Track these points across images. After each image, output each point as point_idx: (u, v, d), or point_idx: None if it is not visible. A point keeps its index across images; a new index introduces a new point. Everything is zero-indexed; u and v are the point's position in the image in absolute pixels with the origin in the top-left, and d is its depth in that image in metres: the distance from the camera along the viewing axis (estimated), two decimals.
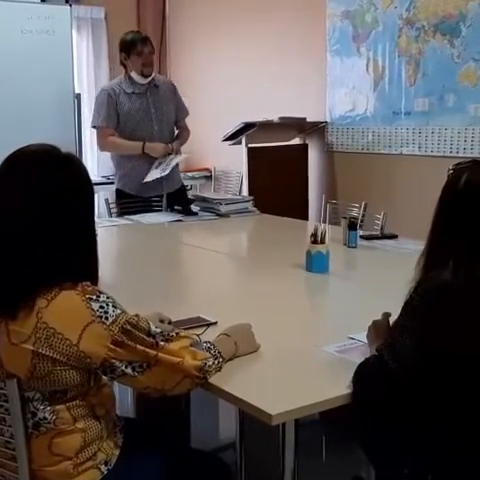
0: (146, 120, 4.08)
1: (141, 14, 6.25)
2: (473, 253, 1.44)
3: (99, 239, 1.54)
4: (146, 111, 4.08)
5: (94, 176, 5.72)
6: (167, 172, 4.05)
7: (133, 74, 4.07)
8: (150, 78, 4.09)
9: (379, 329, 1.68)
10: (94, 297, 1.42)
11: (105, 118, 4.06)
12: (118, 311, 1.44)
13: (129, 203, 4.13)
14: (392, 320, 1.60)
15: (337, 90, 4.86)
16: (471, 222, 1.46)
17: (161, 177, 4.06)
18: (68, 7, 5.28)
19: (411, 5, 4.31)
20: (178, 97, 4.29)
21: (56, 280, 1.42)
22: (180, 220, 3.81)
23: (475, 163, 1.53)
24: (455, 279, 1.43)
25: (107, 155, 6.02)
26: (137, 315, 1.48)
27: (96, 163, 6.07)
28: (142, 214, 4.01)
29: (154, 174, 4.06)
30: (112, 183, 5.60)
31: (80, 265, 1.46)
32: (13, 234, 1.43)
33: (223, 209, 3.88)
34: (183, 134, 4.33)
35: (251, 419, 1.51)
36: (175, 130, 4.30)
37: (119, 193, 4.26)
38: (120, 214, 4.09)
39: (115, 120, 4.07)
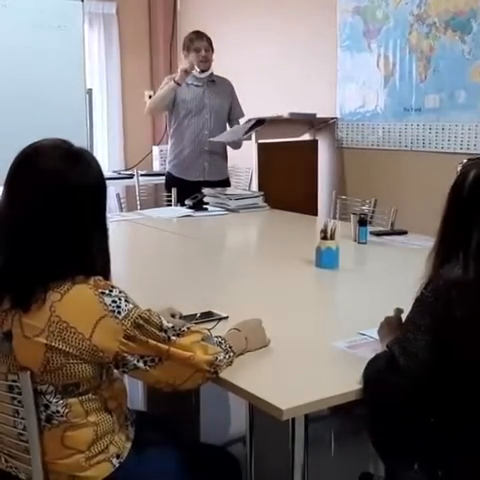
0: (199, 109, 4.47)
1: (152, 9, 6.26)
2: None
3: (110, 234, 1.55)
4: (200, 101, 4.48)
5: (105, 171, 5.70)
6: (235, 139, 4.43)
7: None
8: (208, 73, 4.50)
9: (391, 325, 1.69)
10: (107, 291, 1.43)
11: (173, 78, 4.49)
12: (130, 306, 1.45)
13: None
14: (404, 316, 1.60)
15: (347, 86, 4.85)
16: (479, 217, 1.46)
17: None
18: (80, 2, 5.28)
19: (422, 1, 4.29)
20: (235, 96, 4.64)
21: (68, 274, 1.43)
22: (190, 215, 3.82)
23: None
24: (465, 274, 1.43)
25: (118, 150, 6.04)
26: (149, 310, 1.49)
27: (107, 158, 6.09)
28: (153, 209, 4.03)
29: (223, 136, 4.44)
30: (123, 178, 5.65)
31: (92, 259, 1.47)
32: (25, 228, 1.44)
33: (233, 204, 3.88)
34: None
35: (261, 413, 1.52)
36: (227, 127, 4.59)
37: (169, 178, 4.58)
38: (167, 203, 4.36)
39: (171, 103, 4.48)
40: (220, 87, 4.58)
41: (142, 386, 2.55)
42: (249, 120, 4.54)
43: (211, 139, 4.44)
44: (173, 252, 3.15)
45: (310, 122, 4.98)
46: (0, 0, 4.78)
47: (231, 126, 4.62)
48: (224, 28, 5.74)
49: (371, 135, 4.74)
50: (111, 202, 4.51)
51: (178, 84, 4.41)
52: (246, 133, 4.53)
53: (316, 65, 5.03)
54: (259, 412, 1.55)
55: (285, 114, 4.76)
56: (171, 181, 4.53)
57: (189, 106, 4.48)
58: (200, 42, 4.47)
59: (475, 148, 4.08)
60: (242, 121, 4.62)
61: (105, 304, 1.42)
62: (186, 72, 4.39)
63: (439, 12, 4.20)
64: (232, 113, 4.61)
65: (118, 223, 3.57)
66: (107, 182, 1.58)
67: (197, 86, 4.50)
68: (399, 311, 1.69)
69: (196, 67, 4.48)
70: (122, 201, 4.29)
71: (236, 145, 4.59)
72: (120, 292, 1.45)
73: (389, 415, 1.54)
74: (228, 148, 4.66)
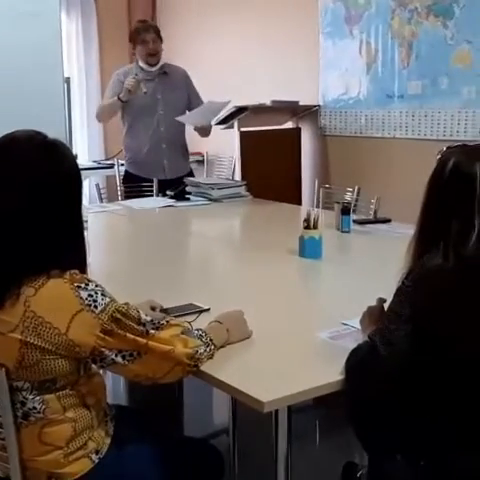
0: (151, 104, 4.19)
1: None
2: (461, 236, 1.44)
3: (89, 225, 1.52)
4: (152, 97, 4.19)
5: (85, 161, 5.69)
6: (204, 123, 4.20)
7: (141, 63, 4.24)
8: (158, 66, 4.21)
9: (373, 315, 1.68)
10: (83, 285, 1.40)
11: (107, 98, 4.29)
12: (107, 299, 1.42)
13: (133, 187, 4.22)
14: (387, 306, 1.59)
15: (330, 73, 4.82)
16: (458, 206, 1.45)
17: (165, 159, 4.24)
18: None
19: None
20: (190, 85, 4.35)
21: (43, 268, 1.40)
22: (172, 205, 3.78)
23: (463, 147, 1.53)
24: (445, 263, 1.42)
25: (98, 140, 5.99)
26: (127, 303, 1.46)
27: (86, 148, 6.03)
28: (133, 199, 3.98)
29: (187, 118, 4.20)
30: (103, 168, 5.60)
31: (67, 253, 1.44)
32: None
33: (215, 194, 3.85)
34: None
35: (244, 405, 1.50)
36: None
37: (127, 175, 4.39)
38: (126, 197, 4.22)
39: (117, 112, 4.26)
40: (173, 78, 4.28)
41: (124, 380, 2.53)
42: (231, 108, 4.48)
43: (177, 118, 4.14)
44: (154, 243, 3.12)
45: (293, 110, 4.96)
46: None
47: None
48: (205, 15, 5.69)
49: (354, 122, 4.72)
50: (91, 192, 4.47)
51: (122, 102, 4.15)
52: (227, 122, 4.47)
53: (298, 52, 5.00)
54: (242, 404, 1.53)
55: (267, 102, 4.73)
56: (130, 180, 4.30)
57: (141, 103, 4.17)
58: (147, 34, 4.15)
59: (458, 135, 4.08)
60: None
61: (81, 298, 1.39)
62: (130, 92, 4.08)
63: None
64: (191, 103, 4.29)
65: (98, 214, 3.53)
66: (87, 172, 1.54)
67: (148, 80, 4.18)
68: (381, 301, 1.68)
69: (142, 63, 4.20)
70: (102, 191, 4.23)
71: (205, 131, 4.33)
72: (96, 286, 1.42)
73: (371, 405, 1.52)
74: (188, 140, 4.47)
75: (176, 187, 3.95)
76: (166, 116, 4.21)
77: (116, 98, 4.15)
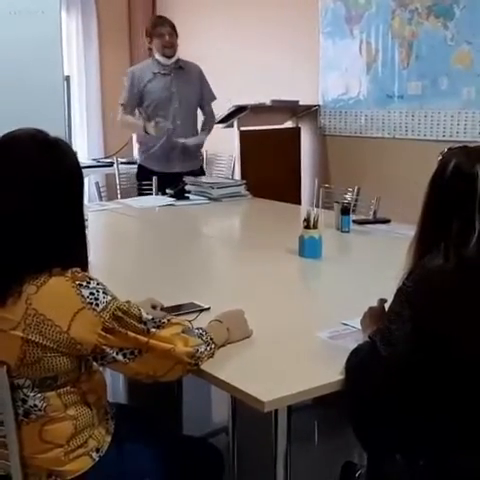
0: (167, 98, 4.29)
1: None
2: (462, 237, 1.44)
3: (89, 223, 1.52)
4: (168, 89, 4.29)
5: (84, 159, 5.68)
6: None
7: (157, 56, 4.31)
8: (174, 59, 4.32)
9: (374, 316, 1.68)
10: (84, 283, 1.40)
11: (125, 97, 4.34)
12: (109, 297, 1.42)
13: (145, 185, 4.27)
14: (387, 306, 1.59)
15: (330, 73, 4.83)
16: (459, 206, 1.46)
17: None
18: None
19: None
20: (204, 81, 4.44)
21: (45, 266, 1.40)
22: (172, 204, 3.78)
23: (464, 148, 1.53)
24: (446, 263, 1.42)
25: (97, 138, 5.99)
26: (128, 301, 1.47)
27: (86, 146, 6.03)
28: (133, 198, 3.99)
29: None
30: (102, 166, 5.60)
31: (69, 251, 1.43)
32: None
33: (215, 193, 3.85)
34: (208, 122, 4.50)
35: (243, 404, 1.50)
36: (198, 112, 4.46)
37: (141, 169, 4.46)
38: (139, 194, 4.29)
39: (137, 98, 4.32)
40: (188, 73, 4.38)
41: (123, 378, 2.53)
42: (231, 107, 4.49)
43: (176, 140, 4.27)
44: (154, 242, 3.12)
45: (293, 109, 4.96)
46: None
47: (203, 110, 4.46)
48: (205, 15, 5.69)
49: (354, 122, 4.72)
50: (91, 191, 4.47)
51: (146, 132, 4.26)
52: (227, 121, 4.49)
53: (298, 52, 5.00)
54: (242, 403, 1.54)
55: (267, 101, 4.74)
56: (143, 173, 4.39)
57: (157, 96, 4.29)
58: (163, 27, 4.27)
59: (457, 135, 4.08)
60: (216, 106, 4.46)
61: (83, 296, 1.39)
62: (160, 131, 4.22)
63: None
64: (203, 99, 4.43)
65: (98, 213, 3.53)
66: (86, 170, 1.55)
67: (164, 75, 4.31)
68: (382, 301, 1.68)
69: (158, 57, 4.29)
70: (102, 190, 4.23)
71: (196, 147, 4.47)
72: (98, 284, 1.43)
73: (371, 405, 1.53)
74: (209, 135, 4.58)
75: (176, 186, 3.95)
76: (181, 110, 4.33)
77: (142, 127, 4.27)
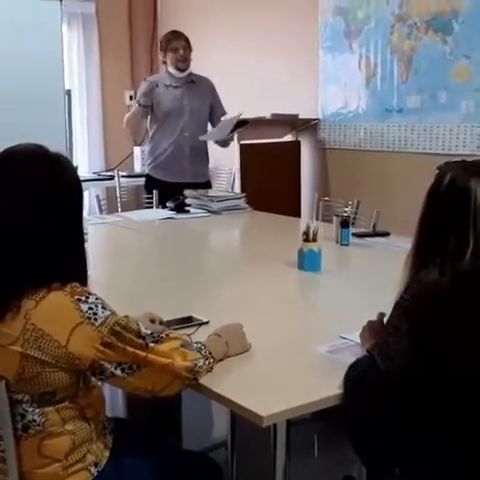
0: (178, 110, 4.40)
1: (132, 9, 6.22)
2: (457, 251, 1.45)
3: (89, 237, 1.53)
4: (179, 101, 4.41)
5: (85, 172, 5.70)
6: (222, 137, 4.34)
7: (171, 69, 4.43)
8: (186, 72, 4.42)
9: (373, 329, 1.68)
10: (83, 298, 1.41)
11: (137, 101, 4.45)
12: (107, 312, 1.42)
13: (151, 198, 4.28)
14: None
15: (329, 87, 4.85)
16: (454, 221, 1.46)
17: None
18: (58, 2, 5.23)
19: (403, 2, 4.30)
20: (215, 95, 4.55)
21: (44, 281, 1.40)
22: (171, 218, 3.79)
23: (461, 163, 1.54)
24: (441, 277, 1.43)
25: (98, 151, 6.01)
26: (127, 316, 1.47)
27: (87, 159, 6.05)
28: (134, 211, 4.00)
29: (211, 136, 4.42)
30: (103, 179, 5.61)
31: (68, 266, 1.44)
32: None
33: (215, 206, 3.86)
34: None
35: (242, 418, 1.50)
36: (209, 127, 4.54)
37: (148, 179, 4.54)
38: (146, 206, 4.34)
39: (149, 105, 4.40)
40: (200, 87, 4.50)
41: (122, 392, 2.52)
42: (230, 118, 4.51)
43: (200, 137, 4.38)
44: (154, 255, 3.13)
45: (292, 123, 4.98)
46: None
47: (213, 124, 4.54)
48: (205, 29, 5.73)
49: (353, 136, 4.74)
50: (91, 204, 4.48)
51: (142, 106, 4.34)
52: (231, 132, 4.51)
53: (298, 66, 5.03)
54: (241, 417, 1.54)
55: (267, 115, 4.76)
56: (151, 183, 4.47)
57: (168, 108, 4.39)
58: (178, 42, 4.38)
59: (456, 149, 4.10)
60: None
61: (81, 311, 1.39)
62: (149, 92, 4.31)
63: (420, 12, 4.21)
64: (214, 112, 4.53)
65: (98, 226, 3.53)
66: (87, 184, 1.56)
67: (176, 87, 4.42)
68: (381, 315, 1.68)
69: (172, 70, 4.41)
70: (102, 203, 4.25)
71: (224, 143, 4.50)
72: (97, 299, 1.43)
73: (369, 419, 1.53)
74: (210, 149, 4.62)
75: (176, 199, 3.96)
76: (191, 122, 4.42)
77: (136, 104, 4.37)
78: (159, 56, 4.58)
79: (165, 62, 4.48)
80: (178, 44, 4.38)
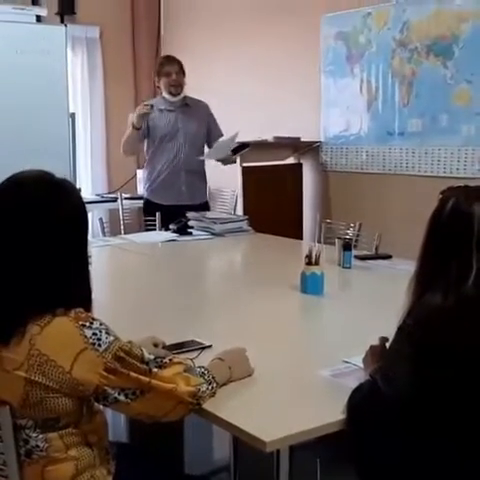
0: (173, 134, 4.42)
1: (136, 33, 6.29)
2: (460, 275, 1.46)
3: (93, 260, 1.53)
4: (173, 126, 4.42)
5: (88, 194, 5.73)
6: (222, 156, 4.39)
7: (164, 94, 4.45)
8: (180, 97, 4.44)
9: (375, 354, 1.68)
10: (87, 324, 1.41)
11: (131, 123, 4.39)
12: (111, 338, 1.43)
13: (152, 220, 4.30)
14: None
15: (331, 110, 4.89)
16: (457, 245, 1.48)
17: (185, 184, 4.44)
18: (63, 27, 5.31)
19: (404, 26, 4.35)
20: (212, 118, 4.57)
21: (48, 306, 1.41)
22: (174, 240, 3.81)
23: (464, 188, 1.55)
24: (445, 301, 1.44)
25: (101, 173, 6.03)
26: (130, 342, 1.48)
27: (90, 181, 6.08)
28: (136, 233, 4.01)
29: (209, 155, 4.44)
30: (106, 201, 5.64)
31: (73, 291, 1.45)
32: (4, 260, 1.42)
33: (218, 228, 3.88)
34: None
35: (245, 442, 1.50)
36: (206, 149, 4.55)
37: (147, 203, 4.56)
38: (146, 229, 4.35)
39: (145, 130, 4.41)
40: (195, 110, 4.50)
41: (124, 417, 2.52)
42: (231, 136, 4.54)
43: (201, 157, 4.42)
44: (157, 278, 3.13)
45: (294, 146, 5.01)
46: None
47: (210, 147, 4.54)
48: (208, 53, 5.79)
49: (355, 159, 4.77)
50: (94, 226, 4.50)
51: (137, 128, 4.33)
52: (234, 155, 4.53)
53: (300, 90, 5.07)
54: (243, 441, 1.53)
55: (270, 138, 4.79)
56: (149, 207, 4.47)
57: (163, 132, 4.41)
58: (170, 66, 4.39)
59: (458, 172, 4.12)
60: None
61: (85, 337, 1.40)
62: (144, 115, 4.29)
63: (421, 37, 4.26)
64: (211, 135, 4.54)
65: (101, 248, 3.55)
66: (90, 206, 1.57)
67: (170, 111, 4.43)
68: (384, 339, 1.69)
69: (165, 94, 4.43)
70: (105, 225, 4.26)
71: (227, 161, 4.52)
72: (101, 324, 1.44)
73: (373, 444, 1.52)
74: (212, 170, 4.64)
75: (179, 221, 3.98)
76: (186, 145, 4.43)
77: (130, 127, 4.35)
78: (154, 80, 4.60)
79: (159, 87, 4.52)
80: (171, 68, 4.39)
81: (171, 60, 4.48)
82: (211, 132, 4.53)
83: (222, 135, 4.54)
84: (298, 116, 5.05)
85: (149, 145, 4.49)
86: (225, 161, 4.51)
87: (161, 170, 4.45)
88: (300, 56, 5.05)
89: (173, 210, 4.20)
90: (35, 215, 1.43)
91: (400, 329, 1.50)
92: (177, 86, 4.41)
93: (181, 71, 4.43)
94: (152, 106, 4.33)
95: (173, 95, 4.42)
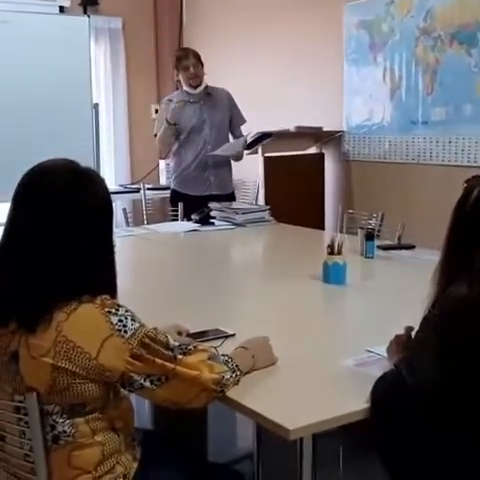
0: (199, 125, 4.45)
1: (158, 23, 6.30)
2: None
3: (116, 249, 1.55)
4: (199, 117, 4.45)
5: (112, 185, 5.76)
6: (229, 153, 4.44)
7: (185, 87, 4.49)
8: (201, 88, 4.45)
9: (400, 343, 1.68)
10: (113, 310, 1.43)
11: (158, 127, 4.53)
12: (137, 325, 1.44)
13: (176, 211, 4.34)
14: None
15: (354, 99, 4.86)
16: None
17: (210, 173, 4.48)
18: (86, 18, 5.33)
19: (428, 14, 4.30)
20: (233, 105, 4.58)
21: (74, 293, 1.43)
22: (196, 230, 3.82)
23: None
24: (470, 292, 1.43)
25: (124, 164, 6.07)
26: (155, 328, 1.49)
27: (113, 172, 6.12)
28: (159, 223, 4.04)
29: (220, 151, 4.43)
30: (129, 192, 5.67)
31: (98, 279, 1.47)
32: (32, 248, 1.44)
33: (239, 218, 3.88)
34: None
35: (268, 430, 1.51)
36: (230, 137, 4.57)
37: (173, 194, 4.58)
38: (172, 219, 4.37)
39: (173, 137, 4.48)
40: (217, 99, 4.51)
41: (149, 404, 2.54)
42: (255, 133, 4.54)
43: (209, 154, 4.42)
44: (180, 268, 3.15)
45: (316, 135, 4.99)
46: (9, 16, 4.83)
47: (233, 134, 4.57)
48: (230, 42, 5.78)
49: (378, 148, 4.74)
50: (118, 217, 4.53)
51: (170, 124, 4.38)
52: (252, 147, 4.54)
53: (322, 79, 5.04)
54: (266, 429, 1.54)
55: (291, 128, 4.77)
56: (176, 197, 4.51)
57: (190, 124, 4.43)
58: (187, 60, 4.40)
59: None
60: (244, 130, 4.57)
61: (111, 323, 1.42)
62: (178, 110, 4.35)
63: (445, 25, 4.21)
64: (233, 122, 4.55)
65: (125, 238, 3.57)
66: (113, 196, 1.57)
67: (193, 103, 4.46)
68: (409, 329, 1.68)
69: (186, 88, 4.45)
70: (129, 216, 4.29)
71: (235, 158, 4.56)
72: (126, 311, 1.45)
73: (397, 434, 1.52)
74: (232, 161, 4.65)
75: (201, 211, 3.99)
76: (212, 135, 4.45)
77: (165, 122, 4.39)
78: (174, 74, 4.63)
79: (179, 81, 4.55)
80: (188, 62, 4.40)
81: (187, 53, 4.48)
82: (233, 119, 4.55)
83: (245, 122, 4.56)
84: (320, 105, 5.02)
85: (177, 137, 4.50)
86: (234, 158, 4.55)
87: (189, 162, 4.47)
88: (322, 45, 5.02)
89: (200, 201, 4.22)
90: (61, 203, 1.44)
91: (425, 319, 1.49)
92: (196, 78, 4.43)
93: (199, 63, 4.43)
94: (185, 102, 4.38)
95: (193, 87, 4.44)
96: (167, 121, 4.38)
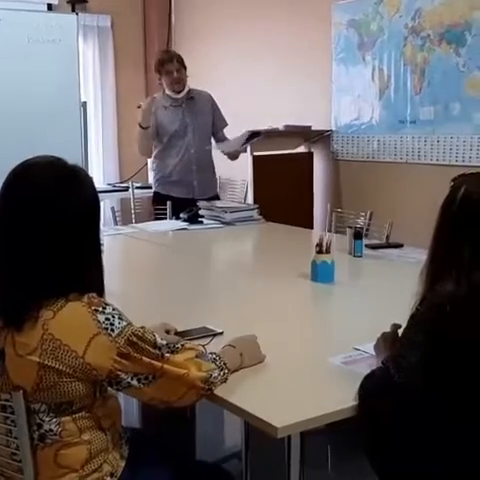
0: (182, 129, 4.37)
1: (147, 22, 6.29)
2: (473, 263, 1.46)
3: (104, 248, 1.54)
4: (181, 121, 4.37)
5: (100, 184, 5.75)
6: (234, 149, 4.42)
7: (167, 91, 4.38)
8: (184, 93, 4.37)
9: (387, 341, 1.68)
10: (100, 309, 1.42)
11: (139, 124, 4.32)
12: (124, 323, 1.44)
13: (161, 209, 4.32)
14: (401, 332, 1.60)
15: (342, 98, 4.87)
16: (469, 233, 1.47)
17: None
18: (74, 16, 5.30)
19: (416, 14, 4.32)
20: (215, 108, 4.51)
21: (61, 292, 1.42)
22: (185, 228, 3.82)
23: (475, 175, 1.55)
24: (457, 289, 1.43)
25: (113, 163, 6.05)
26: (143, 327, 1.48)
27: (102, 171, 6.10)
28: (148, 222, 4.03)
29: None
30: (117, 191, 5.66)
31: (85, 277, 1.46)
32: (18, 246, 1.43)
33: (228, 217, 3.88)
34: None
35: (256, 429, 1.51)
36: (213, 141, 4.52)
37: (156, 196, 4.51)
38: (156, 218, 4.34)
39: (154, 128, 4.36)
40: (200, 103, 4.45)
41: (137, 403, 2.53)
42: (244, 133, 4.54)
43: (208, 147, 4.39)
44: (168, 266, 3.14)
45: (305, 134, 4.99)
46: None
47: (215, 138, 4.52)
48: (219, 41, 5.77)
49: (366, 147, 4.75)
50: (106, 215, 4.52)
51: (143, 128, 4.26)
52: (243, 145, 4.54)
53: (311, 78, 5.05)
54: (255, 428, 1.54)
55: (280, 126, 4.77)
56: (159, 199, 4.44)
57: (172, 129, 4.35)
58: (170, 64, 4.29)
59: (470, 160, 4.10)
60: (233, 129, 4.53)
61: (98, 321, 1.41)
62: (148, 111, 4.22)
63: (433, 25, 4.23)
64: (215, 125, 4.50)
65: (113, 237, 3.56)
66: (102, 195, 1.57)
67: (176, 107, 4.38)
68: (396, 327, 1.68)
69: (168, 91, 4.35)
70: (117, 214, 4.28)
71: (233, 156, 4.53)
72: (114, 309, 1.45)
73: (384, 432, 1.53)
74: (222, 161, 4.63)
75: (190, 210, 3.99)
76: (195, 139, 4.39)
77: (138, 127, 4.28)
78: (155, 77, 4.51)
79: (161, 84, 4.44)
80: (171, 67, 4.29)
81: (171, 56, 4.38)
82: (216, 122, 4.50)
83: (227, 125, 4.52)
84: (309, 105, 5.03)
85: (157, 141, 4.42)
86: (231, 155, 4.52)
87: (172, 167, 4.40)
88: (311, 44, 5.03)
89: (183, 202, 4.20)
90: (47, 201, 1.43)
91: (413, 317, 1.50)
92: (180, 83, 4.33)
93: (182, 67, 4.34)
94: (154, 98, 4.29)
95: (176, 92, 4.35)
96: (140, 125, 4.26)
